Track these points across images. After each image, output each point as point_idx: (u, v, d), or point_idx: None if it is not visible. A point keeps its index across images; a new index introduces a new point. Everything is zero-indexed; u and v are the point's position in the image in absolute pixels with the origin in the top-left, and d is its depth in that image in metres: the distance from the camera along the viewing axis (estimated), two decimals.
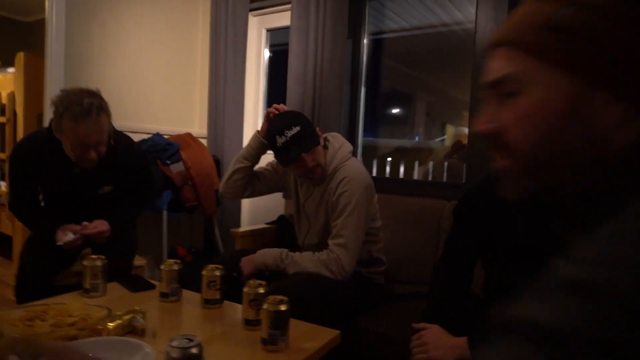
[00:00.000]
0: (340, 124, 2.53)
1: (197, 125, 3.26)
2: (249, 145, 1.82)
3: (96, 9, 2.64)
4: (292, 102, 2.66)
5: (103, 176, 1.78)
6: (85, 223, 1.70)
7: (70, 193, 1.78)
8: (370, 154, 3.01)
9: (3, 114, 3.26)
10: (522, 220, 1.18)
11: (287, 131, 1.58)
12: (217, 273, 1.30)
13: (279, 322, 1.03)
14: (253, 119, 3.16)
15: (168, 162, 2.55)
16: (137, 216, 2.05)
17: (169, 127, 2.98)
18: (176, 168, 2.58)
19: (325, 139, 1.73)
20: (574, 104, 0.47)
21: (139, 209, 2.00)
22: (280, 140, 1.59)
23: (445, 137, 4.07)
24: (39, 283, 1.66)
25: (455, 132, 3.84)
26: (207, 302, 1.30)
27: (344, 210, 1.58)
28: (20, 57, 3.09)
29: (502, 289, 1.27)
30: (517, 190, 0.55)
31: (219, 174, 2.90)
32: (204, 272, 1.30)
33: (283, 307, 1.04)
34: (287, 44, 3.40)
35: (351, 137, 2.73)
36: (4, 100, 3.22)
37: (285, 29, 3.15)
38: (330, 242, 1.59)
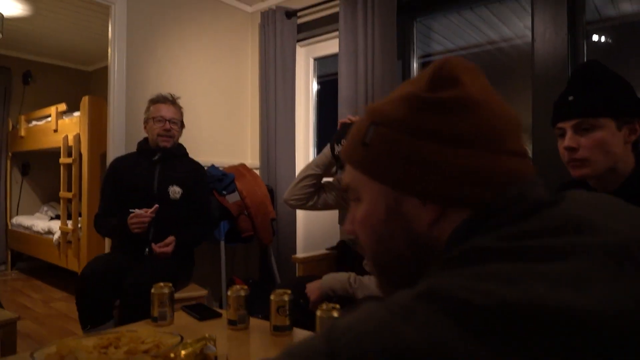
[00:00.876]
0: None
1: (250, 157, 3.30)
2: (323, 153, 1.82)
3: (154, 53, 2.78)
4: None
5: (174, 173, 2.13)
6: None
7: (149, 190, 2.07)
8: None
9: (70, 155, 3.44)
10: None
11: (344, 141, 1.53)
12: (286, 298, 1.25)
13: None
14: (304, 148, 3.16)
15: (224, 192, 2.57)
16: (198, 242, 2.19)
17: (223, 160, 3.03)
18: (232, 198, 2.60)
19: None
20: (391, 210, 0.52)
21: (200, 235, 2.18)
22: (337, 148, 1.62)
23: None
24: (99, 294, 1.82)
25: None
26: (277, 329, 1.24)
27: None
28: (85, 100, 3.29)
29: None
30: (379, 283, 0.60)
31: (274, 203, 2.90)
32: (272, 297, 1.26)
33: (336, 314, 0.97)
34: (333, 74, 3.43)
35: None
36: (71, 142, 3.41)
37: (333, 56, 3.19)
38: None
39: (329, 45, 3.02)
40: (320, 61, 3.24)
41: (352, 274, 1.58)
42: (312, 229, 3.03)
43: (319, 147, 3.22)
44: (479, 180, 0.47)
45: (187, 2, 2.95)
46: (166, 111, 2.15)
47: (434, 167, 0.48)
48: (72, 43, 4.47)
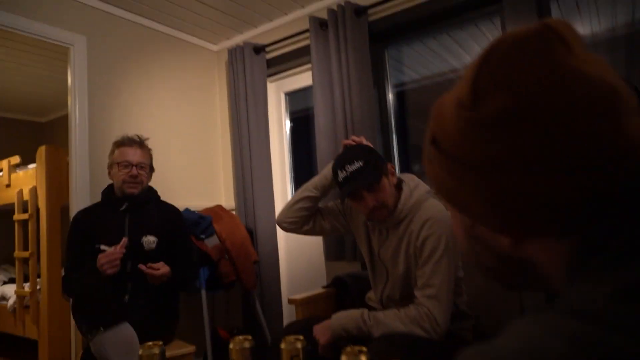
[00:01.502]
0: None
1: (224, 198, 3.15)
2: (323, 175, 1.67)
3: (118, 96, 2.63)
4: (324, 158, 2.56)
5: (147, 222, 1.96)
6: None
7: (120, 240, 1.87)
8: None
9: (25, 211, 3.16)
10: None
11: (348, 165, 1.43)
12: (299, 345, 1.09)
13: None
14: (281, 185, 3.04)
15: (202, 236, 2.39)
16: (184, 286, 2.06)
17: (197, 202, 2.86)
18: (211, 242, 2.43)
19: (400, 180, 1.55)
20: (468, 232, 0.50)
21: (186, 278, 2.01)
22: (341, 175, 1.44)
23: None
24: None
25: None
26: None
27: (431, 256, 1.38)
28: (41, 150, 3.05)
29: None
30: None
31: (254, 245, 2.74)
32: (283, 346, 1.10)
33: (363, 358, 0.84)
34: (304, 110, 3.39)
35: None
36: (26, 197, 3.14)
37: (303, 91, 3.15)
38: (417, 293, 1.38)
39: (300, 79, 2.98)
40: (289, 98, 3.19)
41: (365, 310, 1.42)
42: (296, 269, 2.87)
43: (297, 184, 3.11)
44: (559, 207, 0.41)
45: (150, 42, 2.85)
46: (133, 155, 1.97)
47: (499, 199, 0.42)
48: (25, 93, 4.23)
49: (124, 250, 1.76)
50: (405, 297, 1.42)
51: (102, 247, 1.78)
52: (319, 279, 2.69)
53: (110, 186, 2.02)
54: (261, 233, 2.81)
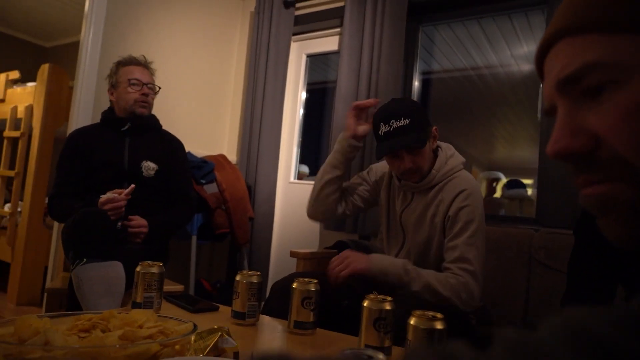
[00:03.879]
0: None
1: (227, 150, 3.04)
2: (336, 151, 1.52)
3: (135, 26, 2.50)
4: (340, 125, 2.47)
5: (148, 147, 1.84)
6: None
7: (119, 166, 1.77)
8: None
9: (18, 128, 3.01)
10: None
11: (393, 121, 1.31)
12: (313, 288, 1.02)
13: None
14: (287, 149, 2.95)
15: (203, 181, 2.30)
16: (175, 229, 1.89)
17: (198, 149, 2.75)
18: (210, 189, 2.33)
19: (438, 146, 1.46)
20: None
21: (178, 220, 1.88)
22: (384, 128, 1.32)
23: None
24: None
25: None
26: (299, 326, 1.00)
27: (466, 228, 1.29)
28: (44, 69, 2.91)
29: None
30: (629, 232, 0.37)
31: (252, 202, 2.65)
32: (295, 286, 1.02)
33: (439, 325, 0.76)
34: (320, 82, 3.28)
35: None
36: (20, 114, 2.99)
37: (324, 57, 3.04)
38: (452, 265, 1.28)
39: (325, 42, 2.86)
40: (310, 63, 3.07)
41: (407, 261, 1.30)
42: (289, 234, 2.80)
43: (303, 150, 3.02)
44: None
45: None
46: (141, 74, 1.86)
47: None
48: (29, 8, 4.02)
49: (129, 197, 1.63)
50: (419, 266, 1.34)
51: (106, 195, 1.61)
52: (312, 247, 2.62)
53: (110, 108, 1.89)
54: (260, 191, 2.73)
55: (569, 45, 0.38)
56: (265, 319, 1.09)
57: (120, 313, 0.82)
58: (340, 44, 2.58)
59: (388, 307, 0.87)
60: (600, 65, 0.36)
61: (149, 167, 1.79)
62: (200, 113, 2.89)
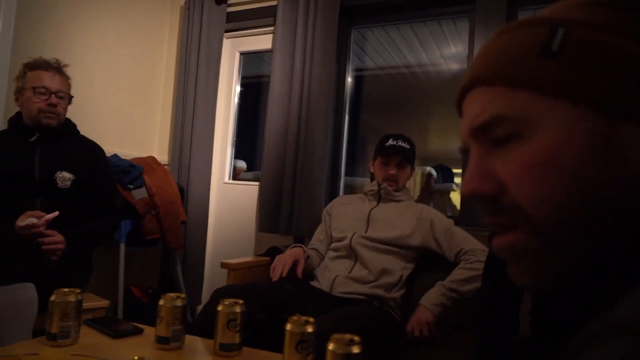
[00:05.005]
0: (325, 149, 2.35)
1: (157, 151, 2.93)
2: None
3: (52, 18, 2.31)
4: (273, 125, 2.47)
5: (62, 156, 1.72)
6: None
7: (29, 178, 1.64)
8: (347, 192, 2.84)
9: None
10: None
11: (400, 141, 1.80)
12: (238, 309, 1.02)
13: None
14: (221, 148, 2.89)
15: (130, 186, 2.20)
16: (98, 241, 1.79)
17: (126, 151, 2.63)
18: (139, 194, 2.24)
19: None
20: (600, 141, 0.35)
21: (101, 233, 1.78)
22: (391, 142, 1.80)
23: None
24: None
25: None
26: (225, 348, 1.00)
27: (448, 230, 1.70)
28: None
29: (551, 320, 1.14)
30: (538, 277, 0.40)
31: (185, 205, 2.58)
32: (220, 308, 1.02)
33: (356, 350, 0.79)
34: (255, 76, 3.24)
35: (333, 168, 2.56)
36: None
37: (258, 55, 3.00)
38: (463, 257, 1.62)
39: (259, 41, 2.83)
40: (243, 59, 3.02)
41: (439, 282, 1.56)
42: (224, 236, 2.76)
43: (239, 145, 2.98)
44: None
45: None
46: (50, 81, 1.70)
47: None
48: None
49: (47, 222, 1.51)
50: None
51: (19, 224, 1.49)
52: (247, 250, 2.61)
53: (19, 114, 1.74)
54: (193, 193, 2.66)
55: (482, 93, 0.41)
56: (190, 341, 1.08)
57: (28, 355, 0.78)
58: (273, 43, 2.56)
59: (310, 330, 0.89)
60: (507, 118, 0.39)
61: (65, 177, 1.67)
62: (128, 112, 2.75)
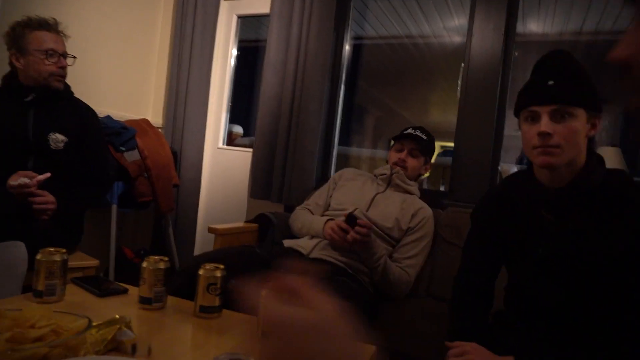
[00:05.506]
0: (319, 119, 2.35)
1: (152, 113, 2.92)
2: (316, 230, 1.72)
3: None
4: (268, 93, 2.45)
5: (56, 118, 1.70)
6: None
7: (22, 138, 1.63)
8: (342, 162, 2.85)
9: None
10: (550, 223, 1.09)
11: (419, 131, 1.87)
12: (218, 274, 1.05)
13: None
14: (216, 112, 2.88)
15: (123, 148, 2.21)
16: (88, 204, 1.81)
17: (120, 112, 2.62)
18: (131, 157, 2.25)
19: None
20: None
21: (91, 195, 1.79)
22: (410, 130, 1.86)
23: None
24: None
25: None
26: (204, 310, 1.04)
27: (421, 239, 1.74)
28: None
29: (527, 298, 1.18)
30: None
31: (177, 168, 2.60)
32: (201, 272, 1.05)
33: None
34: (252, 40, 3.18)
35: (327, 138, 2.56)
36: None
37: (257, 18, 2.94)
38: (403, 262, 1.68)
39: (257, 3, 2.77)
40: (241, 22, 2.97)
41: (387, 258, 1.61)
42: (216, 201, 2.79)
43: (236, 110, 2.97)
44: None
45: None
46: (56, 43, 1.67)
47: None
48: None
49: (38, 183, 1.52)
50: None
51: (11, 183, 1.48)
52: (239, 215, 2.64)
53: (12, 73, 1.70)
54: (186, 157, 2.67)
55: None
56: (172, 302, 1.12)
57: (11, 310, 0.81)
58: (271, 8, 2.51)
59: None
60: None
61: (57, 139, 1.67)
62: (123, 74, 2.72)
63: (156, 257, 1.09)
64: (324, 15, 2.32)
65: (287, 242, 1.70)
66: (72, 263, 1.62)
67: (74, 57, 1.75)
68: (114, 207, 2.23)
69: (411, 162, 1.85)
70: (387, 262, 1.61)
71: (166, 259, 1.10)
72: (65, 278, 1.08)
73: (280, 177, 2.36)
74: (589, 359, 0.98)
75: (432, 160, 3.61)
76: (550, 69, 1.07)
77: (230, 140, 3.45)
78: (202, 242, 2.75)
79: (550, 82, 1.03)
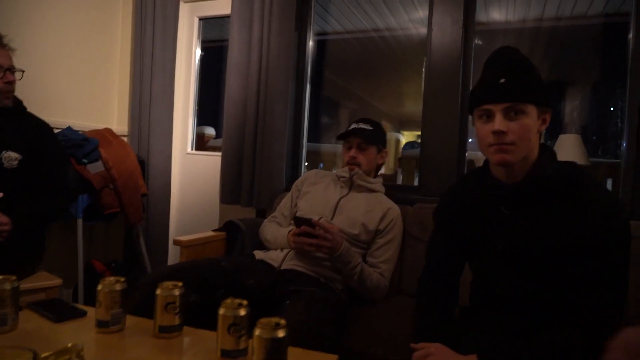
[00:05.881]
0: (285, 120, 2.33)
1: (116, 121, 2.86)
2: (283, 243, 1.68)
3: None
4: (232, 97, 2.42)
5: (7, 135, 1.64)
6: None
7: None
8: (313, 159, 2.84)
9: None
10: (507, 217, 1.12)
11: (362, 123, 1.79)
12: (177, 292, 1.03)
13: (276, 353, 0.81)
14: (182, 116, 2.83)
15: (85, 160, 2.15)
16: (48, 220, 1.78)
17: (83, 122, 2.55)
18: (95, 168, 2.20)
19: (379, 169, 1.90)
20: None
21: (50, 211, 1.74)
22: (354, 125, 1.79)
23: None
24: None
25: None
26: (164, 330, 1.02)
27: (392, 241, 1.72)
28: None
29: (491, 292, 1.20)
30: None
31: (145, 177, 2.55)
32: (158, 292, 1.03)
33: (281, 334, 0.82)
34: (219, 40, 3.13)
35: (296, 138, 2.54)
36: None
37: (218, 19, 2.89)
38: (378, 266, 1.66)
39: (218, 5, 2.72)
40: (205, 24, 2.92)
41: (362, 265, 1.58)
42: (188, 209, 2.75)
43: (199, 117, 2.93)
44: None
45: None
46: (1, 57, 1.61)
47: None
48: None
49: None
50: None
51: None
52: (212, 222, 2.61)
53: None
54: (154, 164, 2.63)
55: None
56: (132, 322, 1.09)
57: None
58: (231, 9, 2.47)
59: (242, 313, 0.91)
60: None
61: (11, 157, 1.61)
62: (84, 83, 2.65)
63: (112, 278, 1.07)
64: (284, 14, 2.29)
65: (258, 254, 1.67)
66: (33, 284, 1.59)
67: (22, 71, 1.69)
68: (79, 221, 2.17)
69: (362, 157, 1.76)
70: (363, 270, 1.57)
71: (122, 279, 1.07)
72: (16, 306, 1.04)
73: (249, 181, 2.34)
74: (547, 349, 0.99)
75: (400, 152, 3.53)
76: (501, 67, 1.08)
77: (203, 143, 3.40)
78: (176, 251, 2.71)
79: (502, 80, 1.04)
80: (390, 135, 4.76)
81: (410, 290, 1.69)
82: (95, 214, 2.25)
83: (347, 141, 1.80)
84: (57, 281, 1.64)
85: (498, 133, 1.03)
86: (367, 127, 1.78)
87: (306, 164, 2.62)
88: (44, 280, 1.63)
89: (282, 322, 0.83)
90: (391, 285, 1.67)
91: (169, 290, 1.03)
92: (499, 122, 1.03)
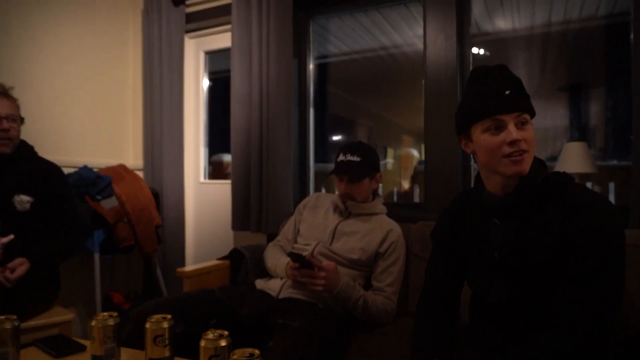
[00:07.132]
0: (289, 145, 2.37)
1: (132, 157, 2.97)
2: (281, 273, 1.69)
3: (7, 34, 2.33)
4: (237, 126, 2.48)
5: (19, 179, 1.73)
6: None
7: None
8: (321, 180, 2.86)
9: None
10: (498, 227, 1.13)
11: (349, 154, 1.69)
12: (165, 325, 1.06)
13: None
14: (194, 147, 2.92)
15: (99, 197, 2.25)
16: (60, 259, 1.84)
17: (99, 160, 2.67)
18: (108, 204, 2.29)
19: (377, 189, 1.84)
20: None
21: (61, 250, 1.81)
22: (341, 157, 1.72)
23: (387, 160, 4.06)
24: None
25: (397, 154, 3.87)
26: None
27: (395, 263, 1.68)
28: None
29: (485, 307, 1.18)
30: None
31: (159, 208, 2.63)
32: (147, 325, 1.06)
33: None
34: (227, 70, 3.23)
35: (302, 161, 2.58)
36: None
37: (225, 51, 2.99)
38: (384, 290, 1.64)
39: (222, 39, 2.82)
40: (214, 56, 3.03)
41: (365, 295, 1.56)
42: (203, 237, 2.81)
43: (211, 147, 3.01)
44: None
45: None
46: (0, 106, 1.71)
47: None
48: None
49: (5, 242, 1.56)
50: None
51: None
52: (226, 249, 2.64)
53: None
54: (167, 196, 2.71)
55: None
56: (125, 356, 1.13)
57: None
58: (232, 41, 2.56)
59: (222, 344, 0.93)
60: None
61: (23, 200, 1.71)
62: (98, 122, 2.78)
63: (105, 313, 1.11)
64: (281, 42, 2.35)
65: (259, 284, 1.69)
66: (45, 320, 1.66)
67: (22, 118, 1.79)
68: (96, 256, 2.26)
69: (355, 190, 1.72)
70: (366, 300, 1.55)
71: (115, 314, 1.11)
72: (17, 344, 1.09)
73: (257, 207, 2.38)
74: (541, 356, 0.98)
75: (414, 169, 3.45)
76: (501, 80, 1.08)
77: (222, 170, 3.47)
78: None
79: (507, 92, 1.05)
80: (407, 151, 4.75)
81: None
82: (112, 248, 2.33)
83: (339, 176, 1.74)
84: (70, 316, 1.70)
85: (515, 142, 1.03)
86: (355, 158, 1.69)
87: (313, 185, 2.65)
88: (58, 316, 1.70)
89: (257, 352, 0.84)
90: (397, 306, 1.66)
91: (158, 324, 1.06)
92: (514, 132, 1.04)
